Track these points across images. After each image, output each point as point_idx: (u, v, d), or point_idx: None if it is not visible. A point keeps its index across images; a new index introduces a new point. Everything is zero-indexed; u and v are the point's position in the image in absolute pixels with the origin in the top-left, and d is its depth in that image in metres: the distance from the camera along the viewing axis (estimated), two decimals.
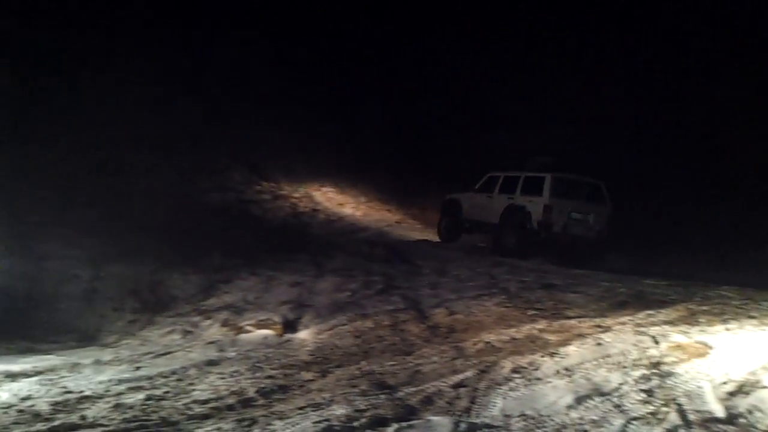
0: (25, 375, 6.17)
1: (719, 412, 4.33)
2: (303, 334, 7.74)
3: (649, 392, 4.72)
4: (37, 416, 5.01)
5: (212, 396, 5.45)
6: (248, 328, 7.97)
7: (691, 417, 4.29)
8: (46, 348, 7.73)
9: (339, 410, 4.74)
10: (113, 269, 10.09)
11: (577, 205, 12.75)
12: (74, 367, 6.56)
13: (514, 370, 5.39)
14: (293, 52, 24.29)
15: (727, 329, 6.37)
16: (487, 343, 6.56)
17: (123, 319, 9.12)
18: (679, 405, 4.47)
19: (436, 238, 15.92)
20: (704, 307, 7.57)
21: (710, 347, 5.63)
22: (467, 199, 14.73)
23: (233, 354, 7.05)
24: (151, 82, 18.06)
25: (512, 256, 12.56)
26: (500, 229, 13.41)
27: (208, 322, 8.42)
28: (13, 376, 6.10)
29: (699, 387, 4.76)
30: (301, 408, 4.92)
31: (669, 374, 5.05)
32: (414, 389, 5.20)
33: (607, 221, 12.94)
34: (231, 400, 5.31)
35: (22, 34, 16.11)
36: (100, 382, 5.92)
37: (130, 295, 9.54)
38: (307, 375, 5.96)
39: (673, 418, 4.29)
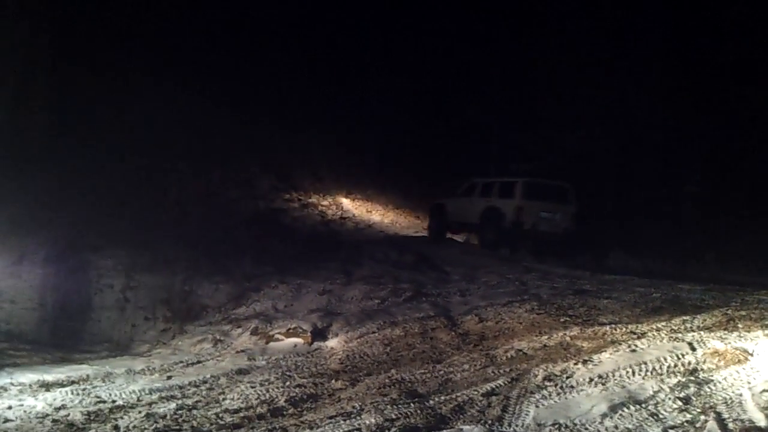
0: (59, 385, 6.27)
1: (761, 420, 4.19)
2: (332, 343, 7.73)
3: (686, 400, 4.60)
4: (71, 426, 5.08)
5: (243, 405, 5.46)
6: (278, 336, 7.99)
7: (731, 426, 4.16)
8: (79, 358, 7.85)
9: (369, 419, 4.70)
10: (145, 279, 10.23)
11: (545, 205, 14.27)
12: (107, 376, 6.65)
13: (547, 378, 5.30)
14: (321, 61, 24.48)
15: (767, 335, 6.19)
16: (519, 350, 6.47)
17: (155, 328, 9.24)
18: (718, 413, 4.34)
19: (465, 243, 16.65)
20: (742, 312, 7.37)
21: (749, 353, 5.47)
22: (451, 203, 16.27)
23: (263, 363, 7.07)
24: (179, 93, 18.30)
25: (491, 249, 14.36)
26: (481, 227, 15.12)
27: (239, 330, 8.46)
28: (47, 386, 6.20)
29: (738, 394, 4.62)
30: (331, 417, 4.90)
31: (706, 381, 4.91)
32: (445, 398, 5.14)
33: (573, 219, 14.55)
34: (261, 409, 5.32)
35: (63, 45, 16.44)
36: (133, 392, 5.99)
37: (161, 304, 9.66)
38: (336, 384, 5.94)
39: (712, 426, 4.17)
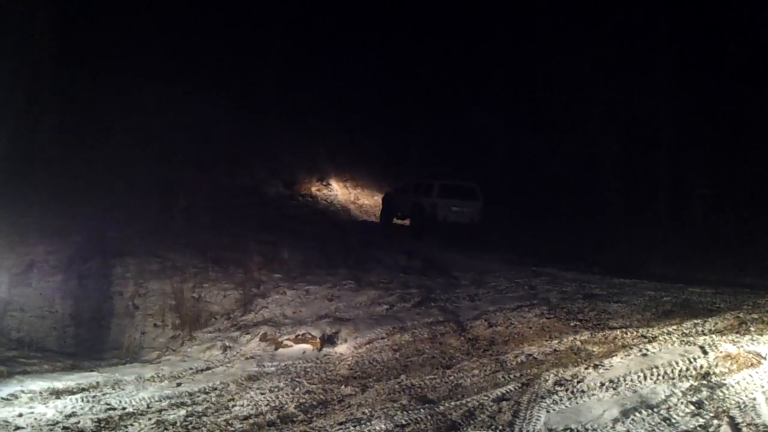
0: (69, 392, 6.27)
1: None
2: (341, 349, 7.72)
3: (698, 404, 4.56)
4: None
5: (252, 412, 5.46)
6: (287, 342, 7.99)
7: (744, 430, 4.13)
8: (89, 365, 7.85)
9: (379, 425, 4.69)
10: (154, 286, 10.25)
11: (456, 201, 18.28)
12: (117, 383, 6.65)
13: (558, 383, 5.27)
14: (323, 60, 24.74)
15: None
16: (529, 355, 6.44)
17: (164, 335, 9.24)
18: (731, 418, 4.30)
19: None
20: (754, 316, 7.31)
21: (762, 357, 5.42)
22: (396, 197, 20.42)
23: (272, 369, 7.06)
24: (189, 99, 18.38)
25: (416, 236, 17.87)
26: (410, 218, 19.49)
27: (247, 337, 8.46)
28: (57, 394, 6.21)
29: (752, 398, 4.58)
30: (341, 423, 4.88)
31: (719, 385, 4.87)
32: (455, 403, 5.12)
33: (479, 212, 18.50)
34: (271, 416, 5.31)
35: (71, 48, 16.53)
36: (143, 399, 5.99)
37: (170, 311, 9.66)
38: (346, 390, 5.93)
39: (726, 431, 4.13)
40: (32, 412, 5.61)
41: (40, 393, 6.21)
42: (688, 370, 5.26)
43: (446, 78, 24.96)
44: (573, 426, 4.42)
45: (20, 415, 5.53)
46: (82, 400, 5.95)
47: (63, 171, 14.07)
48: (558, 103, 19.83)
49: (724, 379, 4.98)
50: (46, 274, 10.36)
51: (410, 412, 4.97)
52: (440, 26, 24.85)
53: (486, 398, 5.15)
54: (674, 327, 6.89)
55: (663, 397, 4.75)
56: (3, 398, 6.00)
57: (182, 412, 5.51)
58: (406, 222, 19.86)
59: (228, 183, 19.39)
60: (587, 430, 4.35)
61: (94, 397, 6.08)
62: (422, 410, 4.98)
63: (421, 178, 19.74)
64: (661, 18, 18.25)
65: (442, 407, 5.04)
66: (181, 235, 12.67)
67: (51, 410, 5.66)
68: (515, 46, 22.48)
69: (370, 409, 5.16)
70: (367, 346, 7.64)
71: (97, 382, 6.65)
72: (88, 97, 16.59)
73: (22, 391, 6.22)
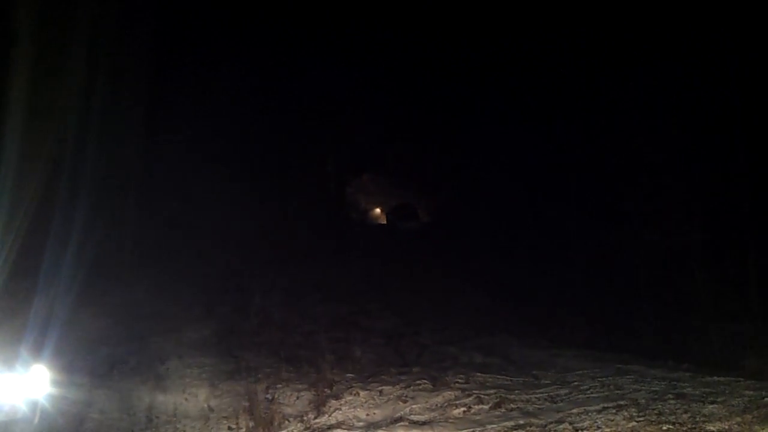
0: None
1: None
2: None
3: None
4: None
5: None
6: None
7: None
8: None
9: None
10: (228, 387, 10.25)
11: (405, 217, 34.23)
12: None
13: None
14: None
15: None
16: None
17: None
18: None
19: None
20: None
21: None
22: (391, 212, 37.34)
23: None
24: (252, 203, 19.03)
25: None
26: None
27: None
28: None
29: None
30: None
31: None
32: None
33: (419, 225, 34.00)
34: None
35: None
36: None
37: (244, 413, 9.58)
38: None
39: None
40: None
41: None
42: None
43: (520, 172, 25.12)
44: None
45: None
46: None
47: (141, 275, 14.61)
48: (637, 193, 19.34)
49: None
50: (126, 375, 10.57)
51: None
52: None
53: None
54: None
55: None
56: None
57: None
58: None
59: (303, 278, 19.63)
60: None
61: None
62: None
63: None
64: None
65: None
66: (255, 334, 12.79)
67: None
68: (592, 144, 22.30)
69: None
70: None
71: None
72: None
73: None
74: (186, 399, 9.95)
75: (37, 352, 9.12)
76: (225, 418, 9.50)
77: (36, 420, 7.46)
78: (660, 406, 8.15)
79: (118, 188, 16.19)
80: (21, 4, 11.82)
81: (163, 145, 18.73)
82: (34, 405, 7.44)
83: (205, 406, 9.84)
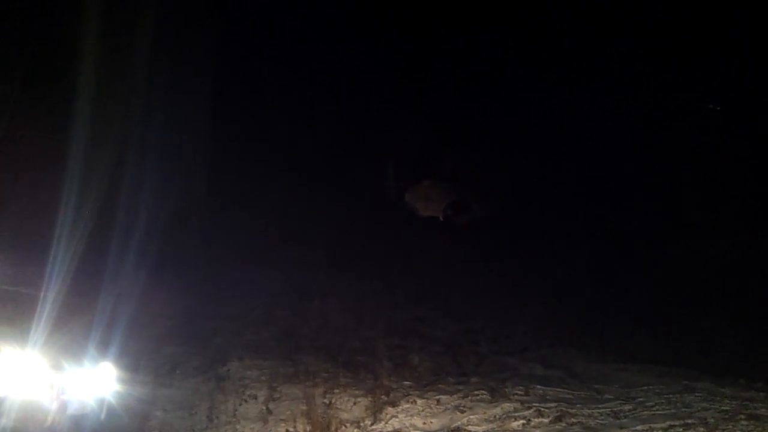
0: None
1: None
2: None
3: None
4: None
5: None
6: None
7: None
8: None
9: None
10: (287, 390, 10.37)
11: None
12: None
13: None
14: None
15: None
16: None
17: None
18: None
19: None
20: None
21: None
22: None
23: None
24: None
25: None
26: None
27: None
28: None
29: None
30: None
31: None
32: None
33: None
34: None
35: None
36: None
37: (302, 416, 9.66)
38: None
39: None
40: None
41: None
42: None
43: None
44: None
45: None
46: None
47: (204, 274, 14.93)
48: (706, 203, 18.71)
49: None
50: (188, 375, 10.83)
51: None
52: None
53: None
54: None
55: None
56: None
57: None
58: None
59: (361, 283, 19.68)
60: None
61: None
62: None
63: None
64: None
65: None
66: (313, 338, 12.88)
67: None
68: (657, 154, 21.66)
69: None
70: None
71: None
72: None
73: None
74: (245, 400, 10.10)
75: (103, 350, 9.45)
76: (283, 420, 9.60)
77: (103, 416, 7.71)
78: (731, 427, 7.76)
79: (181, 189, 16.63)
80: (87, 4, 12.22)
81: (228, 150, 19.17)
82: (101, 401, 7.69)
83: (264, 408, 9.96)
